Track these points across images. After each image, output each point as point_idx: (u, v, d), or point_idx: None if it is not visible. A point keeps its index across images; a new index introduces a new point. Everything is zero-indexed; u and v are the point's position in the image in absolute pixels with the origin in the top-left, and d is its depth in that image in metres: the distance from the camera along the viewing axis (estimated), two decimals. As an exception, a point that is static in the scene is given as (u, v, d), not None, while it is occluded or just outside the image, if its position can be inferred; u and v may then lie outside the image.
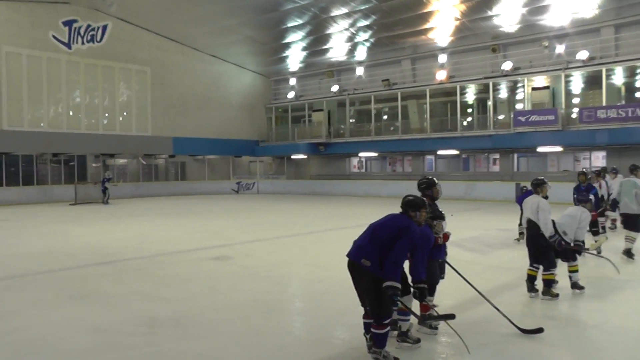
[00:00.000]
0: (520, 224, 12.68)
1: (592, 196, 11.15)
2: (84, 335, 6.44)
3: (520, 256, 9.42)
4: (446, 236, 6.53)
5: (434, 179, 6.96)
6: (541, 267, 7.84)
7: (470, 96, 30.86)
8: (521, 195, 16.74)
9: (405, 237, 5.25)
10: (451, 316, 5.49)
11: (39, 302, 8.05)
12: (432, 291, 6.45)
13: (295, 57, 36.06)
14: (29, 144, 29.83)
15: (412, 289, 5.82)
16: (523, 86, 28.30)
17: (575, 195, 12.49)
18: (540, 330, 6.04)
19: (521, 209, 16.60)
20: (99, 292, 8.59)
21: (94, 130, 32.42)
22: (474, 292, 6.61)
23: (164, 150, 35.84)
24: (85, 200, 29.13)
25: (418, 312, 5.97)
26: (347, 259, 5.53)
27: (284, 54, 35.75)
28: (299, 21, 29.69)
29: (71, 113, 31.66)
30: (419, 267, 5.60)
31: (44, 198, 30.36)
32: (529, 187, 17.44)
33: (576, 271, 8.03)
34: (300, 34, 31.81)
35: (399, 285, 5.16)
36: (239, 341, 6.13)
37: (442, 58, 31.36)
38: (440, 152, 31.91)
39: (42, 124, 30.47)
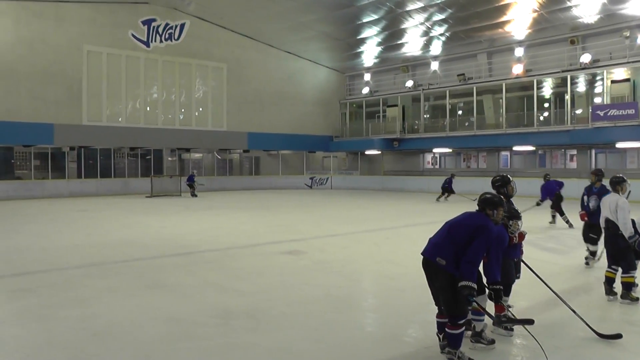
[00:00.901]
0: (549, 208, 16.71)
1: None
2: (158, 324, 6.57)
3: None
4: (522, 235, 6.34)
5: (509, 176, 6.80)
6: (620, 269, 7.49)
7: (547, 90, 30.00)
8: (545, 184, 16.70)
9: (482, 236, 5.13)
10: (530, 321, 5.33)
11: (116, 290, 8.28)
12: (507, 291, 6.27)
13: (370, 52, 35.93)
14: (108, 138, 30.96)
15: (487, 290, 5.69)
16: (602, 79, 27.24)
17: None
18: (618, 336, 5.79)
19: (543, 197, 16.59)
20: (173, 283, 8.76)
21: (171, 126, 33.27)
22: (550, 294, 6.39)
23: (239, 145, 36.42)
24: (161, 193, 29.95)
25: (492, 313, 5.83)
26: (421, 256, 5.46)
27: (359, 50, 35.67)
28: (374, 16, 29.52)
29: (148, 109, 32.58)
30: (494, 268, 5.45)
31: (121, 190, 31.46)
32: (551, 177, 17.63)
33: (657, 274, 7.67)
34: (375, 29, 31.65)
35: (475, 286, 5.04)
36: (311, 335, 6.14)
37: (519, 51, 30.55)
38: (515, 148, 31.13)
39: (120, 119, 31.50)
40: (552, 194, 16.57)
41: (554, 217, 16.61)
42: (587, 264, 9.90)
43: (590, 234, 9.85)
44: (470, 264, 5.05)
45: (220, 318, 6.79)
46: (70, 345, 5.87)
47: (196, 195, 29.57)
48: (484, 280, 5.67)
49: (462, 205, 21.63)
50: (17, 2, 28.01)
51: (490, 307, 5.86)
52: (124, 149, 32.96)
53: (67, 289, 8.42)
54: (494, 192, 6.24)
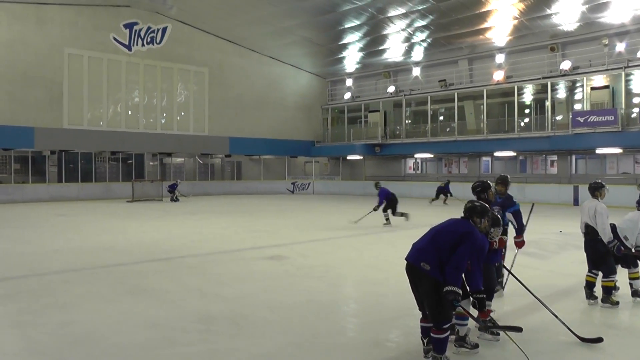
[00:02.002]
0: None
1: None
2: (139, 330, 6.52)
3: (578, 261, 9.12)
4: (502, 241, 6.38)
5: (489, 181, 6.85)
6: (600, 274, 7.55)
7: (528, 96, 30.33)
8: (380, 191, 18.37)
9: (467, 242, 5.16)
10: (518, 329, 5.36)
11: (95, 296, 8.22)
12: (490, 296, 6.32)
13: (351, 58, 36.06)
14: (89, 142, 30.82)
15: (471, 298, 5.72)
16: (582, 86, 27.65)
17: None
18: (599, 339, 5.85)
19: (380, 202, 18.09)
20: (154, 288, 8.71)
21: (152, 130, 33.17)
22: (532, 298, 6.43)
23: (221, 149, 36.38)
24: (142, 198, 29.84)
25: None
26: (403, 261, 5.48)
27: (341, 55, 35.80)
28: (356, 22, 29.67)
29: (130, 113, 32.47)
30: (477, 276, 5.48)
31: (102, 195, 31.32)
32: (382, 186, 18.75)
33: (637, 278, 7.69)
34: (357, 35, 31.80)
35: (460, 291, 5.08)
36: (294, 341, 6.12)
37: (500, 58, 30.88)
38: (497, 154, 31.43)
39: (101, 123, 31.36)
40: (387, 198, 18.34)
41: (403, 214, 18.27)
42: None
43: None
44: (455, 269, 5.07)
45: (201, 324, 6.75)
46: (50, 352, 5.81)
47: (177, 200, 29.47)
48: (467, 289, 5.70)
49: (442, 210, 21.77)
50: (-3, 4, 27.79)
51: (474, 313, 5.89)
52: (105, 153, 32.81)
53: (47, 294, 8.35)
54: (477, 199, 6.28)
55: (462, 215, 5.57)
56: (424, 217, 19.76)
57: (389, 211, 18.38)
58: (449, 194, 27.46)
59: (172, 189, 30.02)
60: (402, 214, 18.23)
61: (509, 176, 8.04)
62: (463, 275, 5.46)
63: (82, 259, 11.49)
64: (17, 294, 8.35)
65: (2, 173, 30.64)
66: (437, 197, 27.56)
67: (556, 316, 6.13)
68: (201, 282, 9.20)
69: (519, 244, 7.98)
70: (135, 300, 7.96)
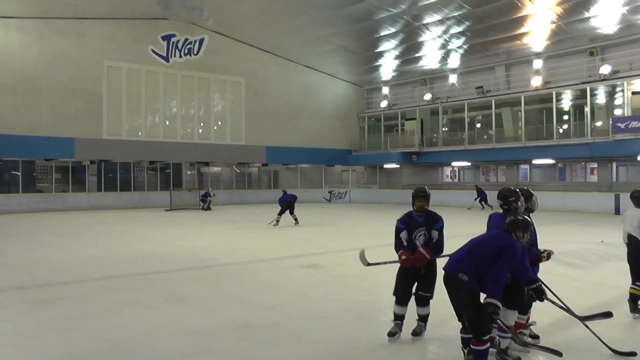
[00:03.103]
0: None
1: None
2: (177, 337, 6.56)
3: (622, 273, 8.77)
4: (549, 255, 6.22)
5: (524, 189, 6.66)
6: None
7: (567, 102, 29.81)
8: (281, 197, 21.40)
9: (507, 255, 5.10)
10: (558, 353, 5.23)
11: (135, 303, 8.31)
12: (527, 307, 6.17)
13: (387, 65, 35.94)
14: (127, 152, 31.32)
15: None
16: (622, 90, 27.03)
17: None
18: (633, 353, 5.66)
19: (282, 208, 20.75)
20: (193, 296, 8.76)
21: (190, 139, 33.49)
22: (575, 309, 6.27)
23: (258, 158, 36.55)
24: (180, 207, 30.14)
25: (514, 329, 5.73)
26: (441, 271, 5.42)
27: (377, 63, 35.71)
28: (392, 30, 29.57)
29: (167, 123, 32.85)
30: (526, 268, 5.40)
31: (140, 203, 31.75)
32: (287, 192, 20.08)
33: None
34: (392, 43, 31.69)
35: (500, 304, 5.03)
36: (332, 350, 6.08)
37: (537, 63, 30.40)
38: (535, 162, 30.90)
39: (139, 133, 31.80)
40: (281, 203, 21.49)
41: (296, 219, 21.52)
42: None
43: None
44: (495, 282, 5.02)
45: (239, 332, 6.76)
46: (90, 357, 5.89)
47: (210, 209, 29.77)
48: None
49: (479, 220, 21.51)
50: (41, 20, 28.51)
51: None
52: (144, 162, 33.27)
53: (87, 301, 8.46)
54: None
55: (505, 227, 5.47)
56: (458, 227, 19.53)
57: (288, 212, 21.47)
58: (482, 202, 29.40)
59: (205, 198, 30.33)
60: (295, 218, 21.52)
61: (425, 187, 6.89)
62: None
63: (121, 267, 11.63)
64: (58, 300, 8.49)
65: (43, 182, 31.31)
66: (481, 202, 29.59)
67: (587, 326, 5.93)
68: (239, 290, 9.21)
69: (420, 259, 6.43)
70: (173, 308, 8.01)
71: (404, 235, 6.58)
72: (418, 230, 6.51)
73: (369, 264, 7.10)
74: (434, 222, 6.56)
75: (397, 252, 6.59)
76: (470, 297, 5.12)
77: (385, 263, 7.06)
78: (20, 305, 8.18)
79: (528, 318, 6.18)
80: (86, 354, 5.98)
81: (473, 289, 5.12)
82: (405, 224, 6.59)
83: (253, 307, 8.04)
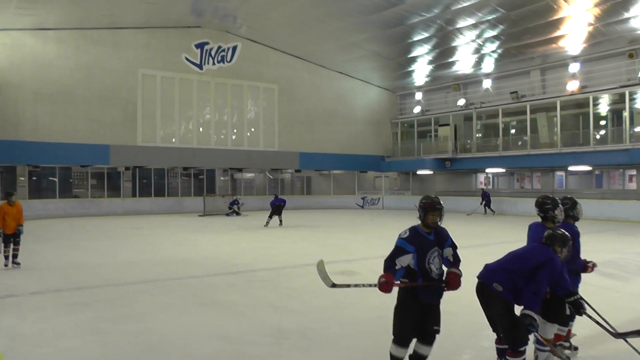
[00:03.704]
0: None
1: None
2: (211, 342, 6.60)
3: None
4: (593, 266, 6.11)
5: (573, 197, 6.51)
6: None
7: (604, 107, 29.06)
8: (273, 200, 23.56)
9: (547, 268, 5.04)
10: None
11: (169, 307, 8.39)
12: (569, 319, 6.03)
13: (421, 71, 35.74)
14: (162, 158, 31.66)
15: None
16: (664, 94, 26.41)
17: None
18: None
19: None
20: (226, 301, 8.80)
21: (223, 146, 33.73)
22: (613, 323, 6.08)
23: (291, 165, 36.64)
24: (213, 212, 30.36)
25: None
26: (474, 280, 5.35)
27: (410, 68, 35.54)
28: (425, 34, 29.39)
29: (201, 129, 33.13)
30: (565, 280, 5.29)
31: (174, 209, 32.09)
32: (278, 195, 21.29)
33: None
34: (426, 48, 31.50)
35: (536, 317, 4.96)
36: (365, 357, 6.06)
37: (574, 67, 29.67)
38: (571, 168, 30.23)
39: (173, 140, 32.12)
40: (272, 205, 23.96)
41: (281, 221, 23.86)
42: None
43: None
44: (534, 294, 4.96)
45: (272, 337, 6.76)
46: (125, 359, 5.96)
47: (239, 214, 30.27)
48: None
49: (514, 227, 21.23)
50: (77, 30, 29.07)
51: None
52: (177, 168, 33.60)
53: (122, 304, 8.57)
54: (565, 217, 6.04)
55: (543, 241, 5.38)
56: (490, 235, 19.30)
57: (276, 216, 23.78)
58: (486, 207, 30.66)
59: (233, 204, 30.54)
60: (280, 220, 23.86)
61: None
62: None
63: (156, 271, 11.73)
64: (94, 303, 8.62)
65: (79, 188, 31.82)
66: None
67: (626, 340, 5.75)
68: (272, 296, 9.23)
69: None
70: (207, 312, 8.05)
71: (407, 260, 5.14)
72: (431, 252, 5.19)
73: (333, 285, 5.52)
74: (445, 239, 5.33)
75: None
76: (504, 307, 5.07)
77: (357, 286, 5.68)
78: (57, 308, 8.31)
79: (569, 330, 6.06)
80: (122, 356, 6.06)
81: (507, 299, 5.06)
82: (416, 246, 5.15)
83: (286, 313, 8.04)
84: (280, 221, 23.86)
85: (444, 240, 5.30)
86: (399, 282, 5.17)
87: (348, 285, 5.61)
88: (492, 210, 30.94)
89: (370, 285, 5.27)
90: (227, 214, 30.34)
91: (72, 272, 11.63)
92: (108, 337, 6.74)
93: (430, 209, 5.21)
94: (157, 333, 6.91)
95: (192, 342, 6.59)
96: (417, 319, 5.21)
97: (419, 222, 5.30)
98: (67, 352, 6.21)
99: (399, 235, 5.27)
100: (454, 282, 5.24)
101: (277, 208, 23.83)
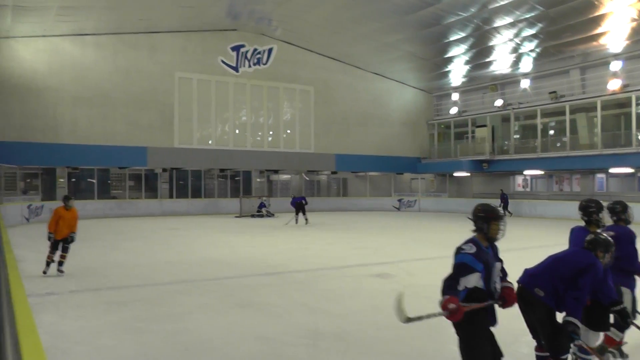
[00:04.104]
0: None
1: None
2: (248, 342, 6.60)
3: None
4: None
5: (623, 201, 6.30)
6: None
7: (647, 107, 28.45)
8: (293, 199, 22.42)
9: (589, 274, 4.88)
10: None
11: (206, 307, 8.43)
12: (624, 326, 5.73)
13: (457, 71, 35.41)
14: (198, 160, 32.00)
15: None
16: None
17: None
18: None
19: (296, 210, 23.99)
20: (263, 302, 8.80)
21: (259, 148, 33.87)
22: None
23: (327, 166, 36.62)
24: (249, 213, 30.49)
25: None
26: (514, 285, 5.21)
27: (446, 69, 35.24)
28: (461, 34, 29.07)
29: (237, 131, 33.32)
30: (609, 288, 5.12)
31: (210, 210, 32.37)
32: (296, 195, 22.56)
33: None
34: (462, 48, 31.17)
35: (579, 324, 4.80)
36: (402, 360, 5.98)
37: (615, 65, 28.88)
38: (612, 170, 29.57)
39: (210, 142, 32.40)
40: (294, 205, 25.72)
41: (306, 219, 25.35)
42: None
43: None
44: (577, 300, 4.82)
45: (309, 339, 6.72)
46: (163, 359, 6.00)
47: (270, 215, 30.55)
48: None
49: (553, 231, 20.88)
50: (115, 35, 29.53)
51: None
52: (214, 170, 33.84)
53: (160, 303, 8.64)
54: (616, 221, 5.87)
55: (585, 246, 5.22)
56: (530, 238, 18.98)
57: (300, 214, 25.35)
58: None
59: (261, 207, 30.65)
60: (305, 218, 25.25)
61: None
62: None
63: (193, 271, 11.81)
64: (133, 302, 8.71)
65: (117, 189, 32.38)
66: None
67: None
68: (308, 298, 9.20)
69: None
70: (243, 313, 8.06)
71: (475, 280, 4.56)
72: (495, 268, 4.69)
73: (408, 320, 4.85)
74: (497, 251, 4.86)
75: (444, 297, 4.51)
76: (545, 313, 4.94)
77: (429, 317, 4.80)
78: (96, 306, 8.42)
79: (622, 337, 5.89)
80: (159, 356, 6.10)
81: (549, 305, 4.93)
82: (484, 263, 4.57)
83: (323, 315, 7.99)
84: (306, 219, 25.25)
85: (497, 252, 4.82)
86: (465, 306, 4.46)
87: (420, 318, 4.84)
88: (509, 212, 31.15)
89: (441, 314, 4.58)
90: (253, 215, 30.45)
91: (110, 271, 11.77)
92: (145, 336, 6.79)
93: (493, 218, 4.66)
94: (194, 333, 6.93)
95: (228, 342, 6.60)
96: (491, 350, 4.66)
97: (473, 234, 4.74)
98: (105, 350, 6.28)
99: (462, 250, 4.60)
100: (510, 297, 4.78)
101: (299, 206, 25.46)
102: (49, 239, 11.23)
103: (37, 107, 27.66)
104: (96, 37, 29.14)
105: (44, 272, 11.17)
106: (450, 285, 4.47)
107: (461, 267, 4.49)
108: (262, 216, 30.27)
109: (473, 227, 4.75)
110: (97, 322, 7.47)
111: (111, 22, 28.40)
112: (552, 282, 4.95)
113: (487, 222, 4.65)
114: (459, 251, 4.60)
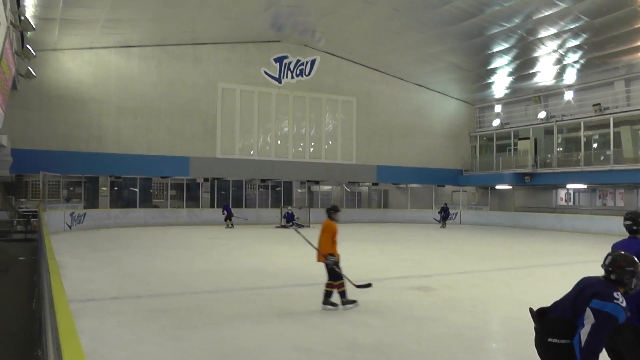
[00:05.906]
0: None
1: None
2: (287, 352, 6.60)
3: None
4: None
5: None
6: None
7: (696, 119, 27.64)
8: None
9: None
10: None
11: (245, 316, 8.47)
12: None
13: (500, 82, 35.02)
14: (240, 170, 32.25)
15: None
16: None
17: None
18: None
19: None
20: (302, 312, 8.83)
21: (301, 158, 33.96)
22: None
23: (368, 178, 36.53)
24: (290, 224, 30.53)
25: None
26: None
27: (489, 80, 34.89)
28: (505, 45, 28.77)
29: (279, 142, 33.48)
30: None
31: (251, 220, 32.34)
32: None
33: None
34: (506, 59, 30.84)
35: None
36: (442, 373, 5.92)
37: (662, 77, 28.35)
38: (657, 185, 28.85)
39: (252, 152, 32.62)
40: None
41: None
42: None
43: None
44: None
45: (348, 350, 6.71)
46: (202, 369, 6.00)
47: (301, 226, 29.64)
48: None
49: (596, 246, 20.47)
50: (159, 47, 30.05)
51: None
52: (255, 180, 34.06)
53: (200, 312, 8.71)
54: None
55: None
56: (575, 253, 18.63)
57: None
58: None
59: (290, 219, 30.62)
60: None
61: None
62: None
63: (232, 280, 11.90)
64: (173, 310, 8.81)
65: (159, 198, 32.84)
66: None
67: None
68: (348, 309, 9.15)
69: None
70: (282, 323, 8.08)
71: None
72: None
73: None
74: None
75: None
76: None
77: None
78: (136, 313, 8.54)
79: None
80: (198, 364, 6.11)
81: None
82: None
83: (362, 327, 7.97)
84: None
85: None
86: None
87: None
88: (444, 224, 34.02)
89: None
90: (283, 225, 30.33)
91: (151, 279, 11.92)
92: (184, 344, 6.84)
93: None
94: (233, 342, 6.98)
95: (267, 351, 6.61)
96: None
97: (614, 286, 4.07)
98: (144, 356, 6.36)
99: (614, 299, 3.89)
100: None
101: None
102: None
103: (82, 118, 28.26)
104: (141, 48, 29.69)
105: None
106: (600, 346, 3.83)
107: (614, 322, 3.86)
108: (301, 226, 30.21)
109: (606, 275, 4.19)
110: (137, 329, 7.58)
111: (156, 34, 28.90)
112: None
113: (634, 276, 4.07)
114: (609, 298, 3.90)
